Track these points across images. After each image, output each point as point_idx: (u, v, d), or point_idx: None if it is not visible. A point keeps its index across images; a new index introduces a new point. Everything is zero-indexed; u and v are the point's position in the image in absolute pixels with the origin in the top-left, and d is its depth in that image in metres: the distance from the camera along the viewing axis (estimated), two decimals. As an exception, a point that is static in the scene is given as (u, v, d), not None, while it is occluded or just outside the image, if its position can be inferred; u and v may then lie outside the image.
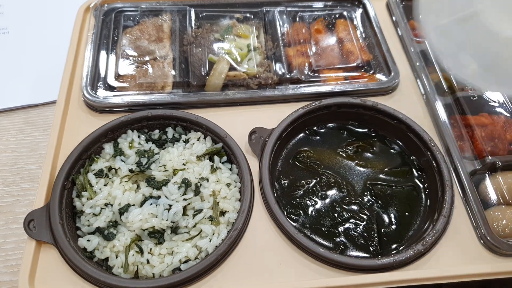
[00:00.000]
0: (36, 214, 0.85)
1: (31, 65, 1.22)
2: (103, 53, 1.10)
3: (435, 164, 0.94)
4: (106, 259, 0.84)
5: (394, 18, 1.24)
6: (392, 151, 1.01)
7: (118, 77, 1.05)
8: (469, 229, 0.87)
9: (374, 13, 1.21)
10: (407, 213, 0.91)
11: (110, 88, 1.04)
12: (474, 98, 1.06)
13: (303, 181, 0.95)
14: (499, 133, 1.01)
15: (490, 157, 0.95)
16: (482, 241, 0.86)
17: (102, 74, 1.06)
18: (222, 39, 1.14)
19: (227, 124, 0.99)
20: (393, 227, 0.90)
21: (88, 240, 0.85)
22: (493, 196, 0.92)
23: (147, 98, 1.01)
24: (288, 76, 1.08)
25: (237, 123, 0.99)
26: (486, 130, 1.02)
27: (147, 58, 1.09)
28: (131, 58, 1.08)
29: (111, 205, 0.87)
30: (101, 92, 1.03)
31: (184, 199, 0.87)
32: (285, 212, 0.91)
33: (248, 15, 1.21)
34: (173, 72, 1.07)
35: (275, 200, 0.87)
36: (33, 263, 0.80)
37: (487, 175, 0.95)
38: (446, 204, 0.87)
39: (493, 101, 1.08)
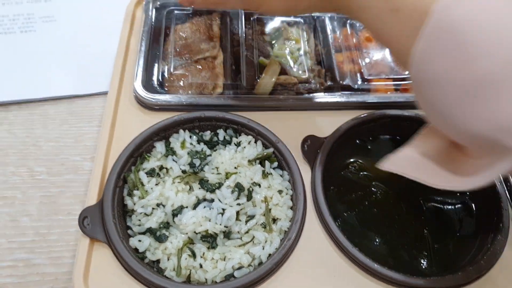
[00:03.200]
0: (90, 211, 0.84)
1: (77, 55, 1.20)
2: (153, 50, 1.09)
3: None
4: (158, 261, 0.84)
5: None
6: (443, 167, 1.00)
7: (169, 75, 1.04)
8: (523, 252, 0.87)
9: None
10: (458, 233, 0.90)
11: (161, 85, 1.03)
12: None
13: (354, 194, 0.94)
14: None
15: (543, 179, 0.94)
16: (536, 265, 0.85)
17: (153, 71, 1.05)
18: (273, 42, 1.13)
19: (277, 129, 0.97)
20: (445, 246, 0.88)
21: (140, 241, 0.84)
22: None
23: (199, 98, 1.00)
24: (339, 83, 1.07)
25: (287, 129, 0.98)
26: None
27: (198, 57, 1.07)
28: (182, 56, 1.07)
29: (163, 205, 0.86)
30: (152, 90, 1.02)
31: (238, 204, 0.86)
32: (336, 224, 0.90)
33: (298, 19, 1.19)
34: (223, 73, 1.06)
35: (329, 211, 0.86)
36: (87, 261, 0.80)
37: (540, 197, 0.94)
38: (504, 225, 0.86)
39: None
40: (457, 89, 0.57)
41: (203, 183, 0.88)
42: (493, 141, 0.58)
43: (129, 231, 0.87)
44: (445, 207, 0.94)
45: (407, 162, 0.81)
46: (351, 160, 0.99)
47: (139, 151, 0.94)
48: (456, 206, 0.94)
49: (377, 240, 0.88)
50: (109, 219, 0.83)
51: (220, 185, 0.88)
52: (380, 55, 1.15)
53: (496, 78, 0.54)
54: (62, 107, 1.14)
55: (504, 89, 0.54)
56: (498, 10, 0.55)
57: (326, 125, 0.99)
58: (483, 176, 0.69)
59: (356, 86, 1.06)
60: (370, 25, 0.71)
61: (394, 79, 1.11)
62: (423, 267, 0.86)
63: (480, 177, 0.69)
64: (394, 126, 1.02)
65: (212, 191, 0.87)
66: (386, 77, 1.11)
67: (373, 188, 0.95)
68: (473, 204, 0.94)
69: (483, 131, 0.58)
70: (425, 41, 0.58)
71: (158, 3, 1.16)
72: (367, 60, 1.13)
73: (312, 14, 1.20)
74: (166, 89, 1.03)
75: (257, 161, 0.95)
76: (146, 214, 0.86)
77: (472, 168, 0.72)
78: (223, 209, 0.85)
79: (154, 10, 1.14)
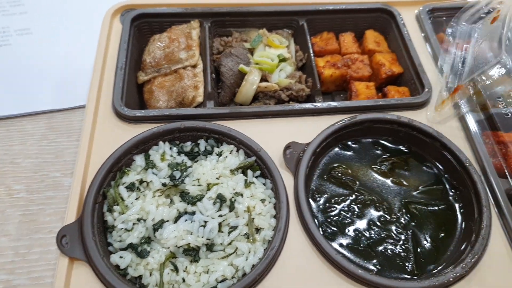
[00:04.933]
0: (68, 229, 0.82)
1: (54, 68, 1.19)
2: (132, 61, 1.07)
3: (471, 184, 0.93)
4: (140, 277, 0.82)
5: (423, 32, 1.22)
6: (426, 168, 1.00)
7: (144, 84, 1.02)
8: (507, 251, 0.86)
9: (404, 25, 1.19)
10: (442, 234, 0.90)
11: (140, 97, 1.02)
12: (507, 116, 1.05)
13: (338, 198, 0.93)
14: (533, 151, 1.00)
15: (525, 176, 0.94)
16: (521, 263, 0.85)
17: (132, 82, 1.04)
18: (253, 49, 1.12)
19: (259, 137, 0.96)
20: (429, 247, 0.88)
21: (121, 257, 0.82)
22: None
23: (178, 109, 0.99)
24: (320, 88, 1.06)
25: (269, 136, 0.97)
26: (520, 147, 1.01)
27: (176, 66, 1.06)
28: (160, 67, 1.06)
29: (144, 220, 0.85)
30: (131, 101, 1.00)
31: (220, 216, 0.85)
32: (321, 230, 0.89)
33: (277, 23, 1.18)
34: (203, 82, 1.05)
35: (312, 218, 0.86)
36: (66, 281, 0.78)
37: (522, 194, 0.94)
38: (484, 226, 0.86)
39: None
40: None
41: (184, 195, 0.87)
42: None
43: (110, 248, 0.85)
44: (429, 208, 0.93)
45: None
46: (334, 165, 0.99)
47: (118, 165, 0.92)
48: (440, 207, 0.94)
49: (361, 244, 0.88)
50: (89, 236, 0.81)
51: (201, 197, 0.87)
52: (359, 58, 1.14)
53: None
54: (41, 123, 1.12)
55: None
56: None
57: (308, 131, 0.98)
58: None
59: (335, 90, 1.06)
60: None
61: (374, 81, 1.10)
62: (408, 269, 0.85)
63: None
64: (376, 129, 1.01)
65: (193, 203, 0.86)
66: (366, 80, 1.10)
67: (356, 193, 0.94)
68: (456, 205, 0.94)
69: None
70: None
71: (136, 13, 1.15)
72: (346, 63, 1.13)
73: (293, 17, 1.19)
74: (145, 100, 1.01)
75: (239, 171, 0.94)
76: (127, 230, 0.85)
77: None
78: (205, 221, 0.84)
79: (131, 20, 1.12)
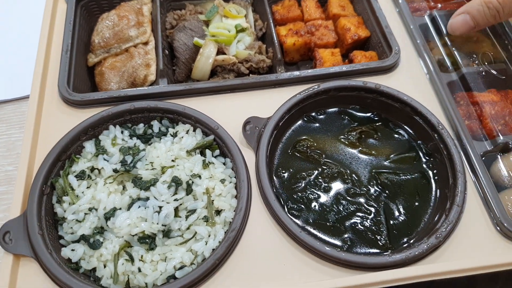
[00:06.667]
0: (12, 224, 0.77)
1: (2, 57, 1.11)
2: (78, 42, 1.00)
3: (444, 149, 0.87)
4: (94, 269, 0.77)
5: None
6: (397, 136, 0.94)
7: (95, 67, 0.96)
8: (484, 216, 0.81)
9: (371, -14, 1.12)
10: (416, 203, 0.85)
11: (88, 80, 0.95)
12: (481, 75, 0.99)
13: (304, 173, 0.88)
14: (510, 110, 0.94)
15: (502, 137, 0.89)
16: (498, 228, 0.80)
17: (78, 64, 0.97)
18: (208, 21, 1.05)
19: (218, 114, 0.90)
20: (403, 218, 0.83)
21: (73, 250, 0.77)
22: (506, 179, 0.86)
23: (128, 90, 0.92)
24: (281, 58, 0.99)
25: (229, 113, 0.91)
26: (496, 107, 0.95)
27: (127, 45, 0.99)
28: (110, 46, 0.99)
29: (96, 209, 0.79)
30: (78, 85, 0.94)
31: (175, 200, 0.80)
32: (286, 208, 0.84)
33: (235, -7, 1.11)
34: (155, 60, 0.98)
35: (275, 195, 0.80)
36: (12, 280, 0.73)
37: (499, 156, 0.89)
38: (459, 192, 0.81)
39: (502, 76, 1.01)
40: None
41: (137, 181, 0.81)
42: None
43: (62, 241, 0.80)
44: (401, 177, 0.88)
45: None
46: (299, 138, 0.93)
47: (66, 153, 0.86)
48: (413, 176, 0.88)
49: (330, 220, 0.82)
50: (34, 231, 0.76)
51: (155, 181, 0.81)
52: (323, 23, 1.07)
53: None
54: (-10, 115, 1.06)
55: None
56: None
57: (270, 104, 0.92)
58: None
59: (298, 59, 0.99)
60: None
61: (340, 47, 1.04)
62: (381, 243, 0.80)
63: None
64: (342, 97, 0.95)
65: (147, 188, 0.80)
66: (331, 46, 1.04)
67: (324, 166, 0.89)
68: (430, 172, 0.89)
69: None
70: None
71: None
72: (310, 30, 1.06)
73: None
74: (93, 82, 0.95)
75: (197, 151, 0.88)
76: (78, 221, 0.79)
77: None
78: (160, 207, 0.78)
79: (75, 0, 1.04)
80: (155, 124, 0.90)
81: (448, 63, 1.02)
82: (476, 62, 1.01)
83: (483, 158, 0.88)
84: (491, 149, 0.89)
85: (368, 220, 0.83)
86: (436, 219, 0.82)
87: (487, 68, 1.01)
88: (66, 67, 0.94)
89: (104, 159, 0.84)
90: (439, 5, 1.13)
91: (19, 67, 1.10)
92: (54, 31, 1.03)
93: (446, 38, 1.05)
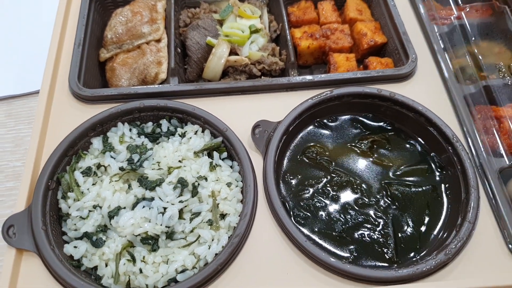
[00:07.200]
0: (16, 219, 0.77)
1: (13, 52, 1.11)
2: (91, 37, 1.00)
3: (458, 163, 0.84)
4: (95, 268, 0.76)
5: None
6: (409, 146, 0.91)
7: (106, 62, 0.95)
8: (496, 234, 0.79)
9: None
10: (426, 217, 0.83)
11: (99, 75, 0.94)
12: (503, 89, 0.95)
13: (312, 180, 0.86)
14: (530, 126, 0.91)
15: (520, 153, 0.86)
16: (510, 247, 0.77)
17: (90, 59, 0.96)
18: (222, 20, 1.03)
19: (227, 115, 0.89)
20: (411, 232, 0.81)
21: (75, 247, 0.77)
22: (523, 197, 0.83)
23: (138, 87, 0.91)
24: (295, 61, 0.98)
25: (238, 115, 0.90)
26: (517, 122, 0.92)
27: (139, 41, 0.98)
28: (122, 42, 0.98)
29: (100, 207, 0.79)
30: (89, 80, 0.93)
31: (180, 201, 0.78)
32: (292, 214, 0.82)
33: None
34: (167, 58, 0.97)
35: (281, 202, 0.79)
36: (13, 274, 0.73)
37: (517, 173, 0.86)
38: (471, 208, 0.78)
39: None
40: None
41: (142, 180, 0.80)
42: None
43: (65, 237, 0.80)
44: (412, 190, 0.86)
45: None
46: (309, 144, 0.91)
47: (74, 149, 0.86)
48: (424, 189, 0.86)
49: (336, 230, 0.81)
50: (38, 226, 0.76)
51: (161, 181, 0.80)
52: (339, 27, 1.05)
53: None
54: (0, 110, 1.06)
55: None
56: None
57: (281, 108, 0.90)
58: None
59: (312, 63, 0.97)
60: None
61: (355, 53, 1.02)
62: (387, 257, 0.78)
63: None
64: (354, 104, 0.93)
65: (152, 189, 0.79)
66: (347, 51, 1.02)
67: (333, 174, 0.87)
68: (442, 186, 0.86)
69: None
70: None
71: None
72: (325, 33, 1.04)
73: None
74: (104, 78, 0.94)
75: (205, 153, 0.87)
76: (82, 218, 0.79)
77: None
78: (164, 208, 0.77)
79: (90, -7, 1.04)
80: (164, 123, 0.89)
81: (467, 74, 0.98)
82: (498, 74, 0.98)
83: (500, 174, 0.85)
84: (509, 165, 0.86)
85: (376, 232, 0.81)
86: (446, 235, 0.79)
87: (509, 82, 0.97)
88: (78, 62, 0.94)
89: (111, 157, 0.84)
90: (456, 14, 1.09)
91: (28, 63, 1.10)
92: (67, 25, 1.02)
93: (466, 48, 1.02)
